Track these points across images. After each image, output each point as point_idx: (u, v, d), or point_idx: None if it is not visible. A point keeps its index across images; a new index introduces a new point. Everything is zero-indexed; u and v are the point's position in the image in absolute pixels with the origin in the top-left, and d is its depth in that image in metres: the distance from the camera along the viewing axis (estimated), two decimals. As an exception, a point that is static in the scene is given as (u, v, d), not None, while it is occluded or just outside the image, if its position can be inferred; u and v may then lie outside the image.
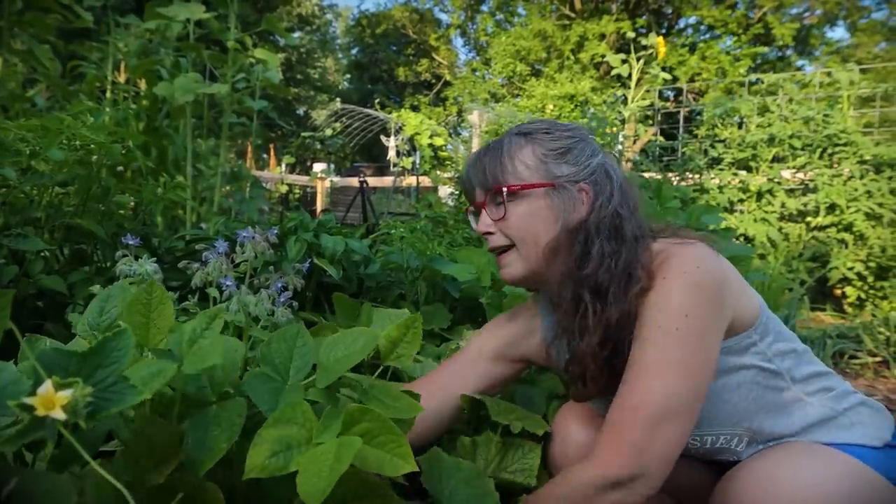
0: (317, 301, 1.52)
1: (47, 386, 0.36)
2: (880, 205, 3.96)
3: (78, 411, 0.36)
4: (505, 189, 0.83)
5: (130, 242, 0.82)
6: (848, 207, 4.04)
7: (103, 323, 0.68)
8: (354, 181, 7.19)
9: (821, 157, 4.37)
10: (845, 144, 4.30)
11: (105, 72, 2.50)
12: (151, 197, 1.33)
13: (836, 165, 4.32)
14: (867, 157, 4.17)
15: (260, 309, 0.89)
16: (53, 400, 0.35)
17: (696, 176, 4.71)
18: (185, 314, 0.94)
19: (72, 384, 0.37)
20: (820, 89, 5.42)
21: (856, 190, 4.06)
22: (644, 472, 0.70)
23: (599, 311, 0.78)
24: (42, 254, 1.18)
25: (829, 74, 5.57)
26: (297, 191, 8.27)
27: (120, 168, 1.36)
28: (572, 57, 14.53)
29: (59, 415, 0.35)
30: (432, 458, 0.81)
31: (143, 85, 2.60)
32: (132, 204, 1.84)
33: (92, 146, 1.14)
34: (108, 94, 2.43)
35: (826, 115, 4.51)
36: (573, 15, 15.42)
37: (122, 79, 2.68)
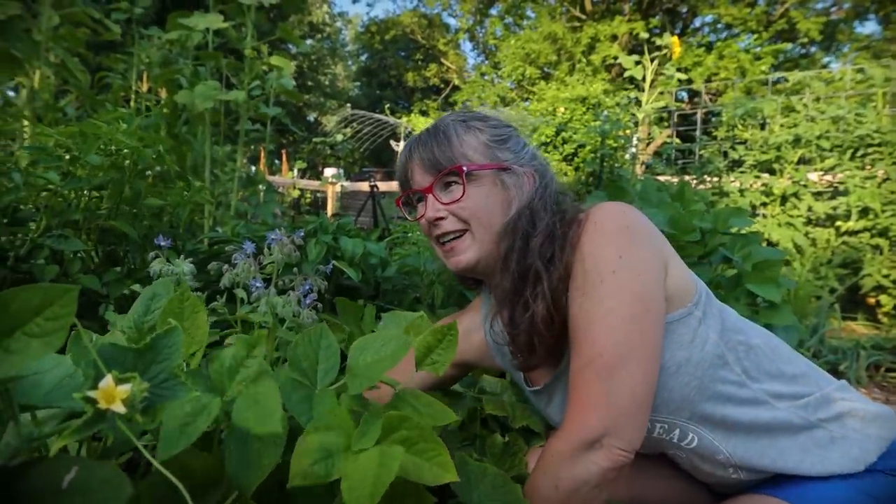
0: (333, 304, 1.54)
1: (108, 380, 0.38)
2: (920, 207, 3.77)
3: (135, 405, 0.38)
4: (465, 168, 0.83)
5: (162, 244, 0.84)
6: (883, 211, 3.84)
7: (149, 322, 0.69)
8: (364, 186, 7.24)
9: (852, 159, 4.18)
10: (879, 145, 4.09)
11: (130, 82, 2.58)
12: (179, 199, 1.37)
13: (869, 167, 4.12)
14: (905, 157, 4.01)
15: (287, 311, 0.91)
16: (114, 394, 0.37)
17: (715, 179, 4.61)
18: (213, 314, 0.96)
19: (129, 379, 0.39)
20: (851, 87, 5.25)
21: (892, 193, 3.87)
22: (614, 425, 0.68)
23: (548, 276, 0.78)
24: (78, 254, 1.22)
25: (860, 71, 5.40)
26: (308, 195, 8.35)
27: (148, 172, 1.41)
28: (583, 59, 14.47)
29: (120, 408, 0.37)
30: (459, 463, 0.81)
31: (163, 94, 2.67)
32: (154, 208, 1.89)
33: (124, 151, 1.19)
34: (133, 103, 2.50)
35: (858, 114, 4.35)
36: (584, 16, 15.38)
37: (144, 88, 2.75)
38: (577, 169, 6.00)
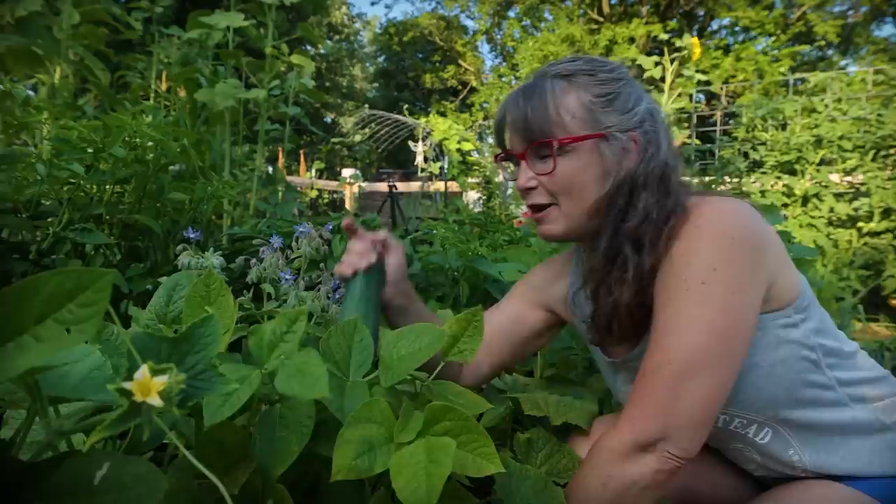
0: (359, 301, 1.52)
1: (144, 371, 0.35)
2: (941, 209, 3.78)
3: (171, 398, 0.36)
4: (555, 143, 0.75)
5: (191, 236, 0.83)
6: None
7: (171, 313, 0.67)
8: (382, 186, 7.25)
9: (874, 160, 4.17)
10: None
11: (149, 80, 2.59)
12: (203, 194, 1.35)
13: (891, 168, 4.12)
14: (926, 159, 3.99)
15: (316, 305, 0.89)
16: (150, 386, 0.35)
17: (735, 180, 4.57)
18: (240, 310, 0.94)
19: (166, 370, 0.36)
20: (873, 88, 5.20)
21: None
22: (671, 432, 0.65)
23: (637, 263, 0.73)
24: (100, 249, 1.22)
25: (879, 72, 5.35)
26: (325, 196, 8.38)
27: (171, 168, 1.40)
28: (601, 61, 14.33)
29: (156, 401, 0.34)
30: (503, 463, 0.78)
31: (182, 93, 2.67)
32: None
33: (149, 144, 1.17)
34: (151, 102, 2.51)
35: (880, 115, 4.32)
36: (601, 19, 15.30)
37: (163, 87, 2.76)
38: (595, 170, 5.95)
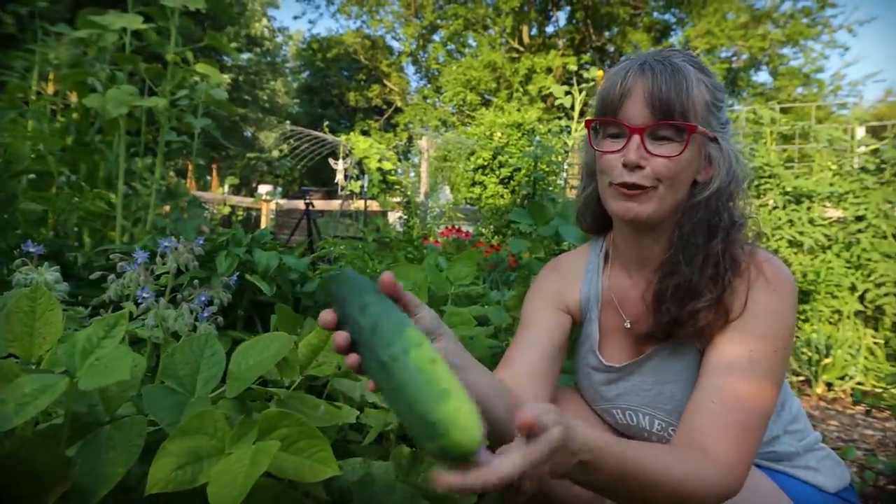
0: (249, 320, 1.46)
1: None
2: (801, 233, 4.29)
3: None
4: (699, 129, 0.75)
5: (32, 250, 0.76)
6: (773, 235, 4.33)
7: None
8: (301, 204, 7.08)
9: (748, 188, 4.70)
10: (770, 177, 4.65)
11: (30, 82, 2.37)
12: (66, 206, 1.23)
13: (762, 196, 4.65)
14: (789, 189, 4.54)
15: (180, 324, 0.84)
16: None
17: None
18: (96, 330, 0.87)
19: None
20: (746, 126, 5.85)
21: (779, 219, 4.37)
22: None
23: (707, 299, 0.76)
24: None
25: (754, 112, 6.02)
26: (240, 213, 8.04)
27: (32, 176, 1.26)
28: (521, 88, 15.07)
29: None
30: (365, 479, 0.77)
31: (73, 97, 2.48)
32: (52, 220, 1.71)
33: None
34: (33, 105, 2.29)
35: (752, 149, 4.87)
36: (522, 48, 16.08)
37: (50, 90, 2.54)
38: (513, 192, 6.17)
